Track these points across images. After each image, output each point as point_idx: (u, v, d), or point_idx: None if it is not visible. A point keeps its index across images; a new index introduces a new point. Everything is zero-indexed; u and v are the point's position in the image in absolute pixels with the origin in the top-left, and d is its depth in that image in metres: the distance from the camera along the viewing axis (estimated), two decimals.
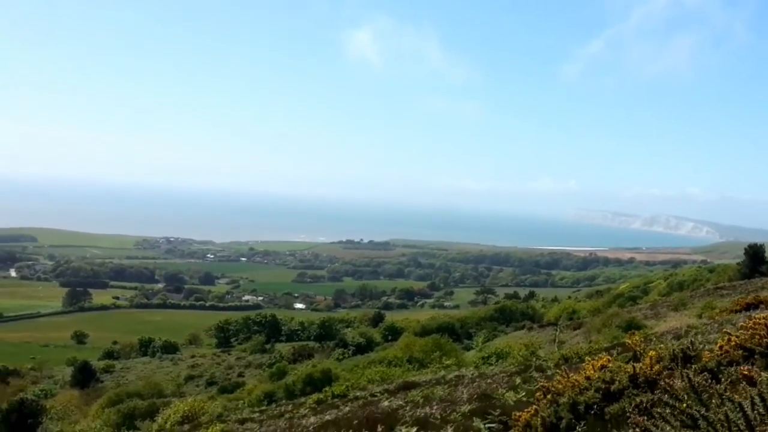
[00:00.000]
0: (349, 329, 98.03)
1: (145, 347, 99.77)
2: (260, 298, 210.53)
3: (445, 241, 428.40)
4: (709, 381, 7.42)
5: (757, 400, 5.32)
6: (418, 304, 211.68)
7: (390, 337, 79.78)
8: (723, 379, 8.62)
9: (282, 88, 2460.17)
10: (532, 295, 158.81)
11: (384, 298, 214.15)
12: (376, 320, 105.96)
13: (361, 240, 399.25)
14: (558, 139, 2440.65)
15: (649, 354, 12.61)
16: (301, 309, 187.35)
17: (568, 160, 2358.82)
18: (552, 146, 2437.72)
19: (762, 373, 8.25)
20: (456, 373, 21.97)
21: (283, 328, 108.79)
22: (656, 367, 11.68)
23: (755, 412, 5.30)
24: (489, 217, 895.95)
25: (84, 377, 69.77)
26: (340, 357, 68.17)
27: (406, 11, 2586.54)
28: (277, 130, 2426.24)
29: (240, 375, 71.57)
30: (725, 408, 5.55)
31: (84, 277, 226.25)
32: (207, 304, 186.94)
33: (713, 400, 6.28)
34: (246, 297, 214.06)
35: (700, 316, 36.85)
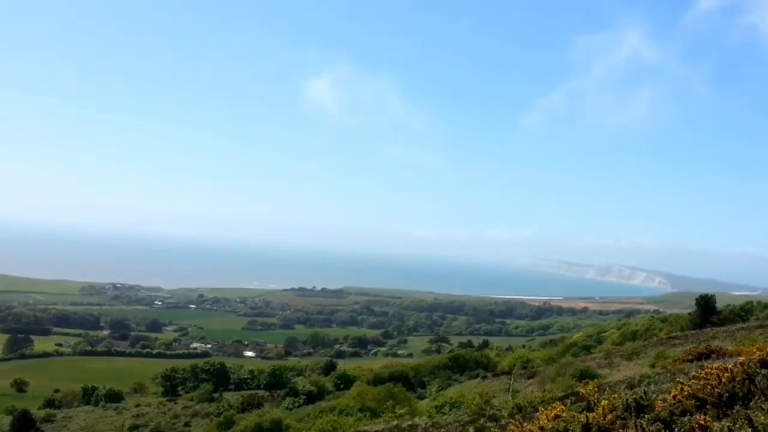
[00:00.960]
0: (301, 378, 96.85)
1: (88, 396, 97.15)
2: (209, 345, 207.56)
3: (399, 289, 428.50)
4: (663, 431, 7.44)
5: None
6: (372, 352, 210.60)
7: (342, 386, 78.94)
8: (676, 429, 8.66)
9: (238, 134, 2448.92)
10: (486, 343, 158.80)
11: (336, 346, 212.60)
12: (328, 368, 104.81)
13: (314, 287, 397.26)
14: (514, 189, 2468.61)
15: (603, 403, 12.65)
16: (251, 357, 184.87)
17: (524, 209, 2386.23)
18: (508, 195, 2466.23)
19: (715, 423, 8.31)
20: (409, 422, 21.77)
21: (232, 376, 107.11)
22: (609, 416, 11.71)
23: None
24: (444, 265, 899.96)
25: (23, 427, 67.48)
26: (291, 406, 67.11)
27: (365, 59, 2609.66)
28: (232, 175, 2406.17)
29: (186, 425, 70.10)
30: None
31: (26, 323, 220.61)
32: (154, 352, 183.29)
33: None
34: (194, 344, 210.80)
35: (653, 366, 37.25)
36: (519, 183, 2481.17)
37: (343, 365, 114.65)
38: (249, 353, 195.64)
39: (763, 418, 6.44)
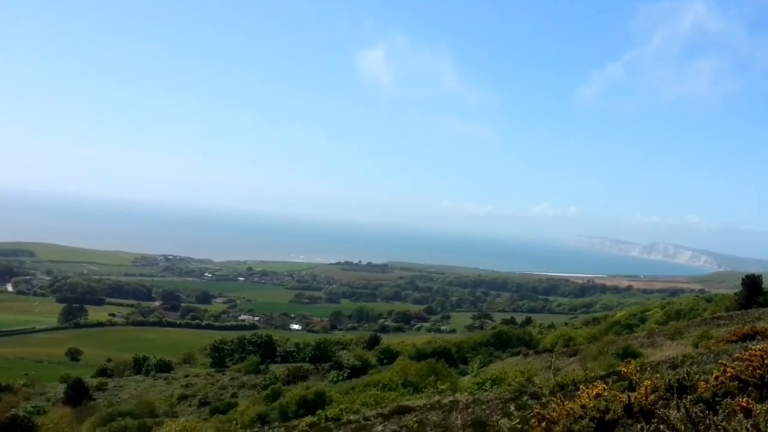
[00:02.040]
0: (345, 351, 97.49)
1: (139, 365, 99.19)
2: (257, 318, 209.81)
3: (444, 264, 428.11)
4: (705, 412, 7.36)
5: (752, 431, 5.26)
6: (415, 327, 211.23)
7: (385, 361, 79.23)
8: (720, 410, 8.55)
9: (290, 109, 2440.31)
10: (528, 321, 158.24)
11: (380, 321, 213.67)
12: (372, 343, 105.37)
13: (360, 262, 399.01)
14: (562, 164, 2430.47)
15: (645, 383, 12.53)
16: (298, 330, 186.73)
17: (570, 186, 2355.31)
18: (555, 171, 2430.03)
19: (758, 405, 8.19)
20: (451, 398, 21.79)
21: (278, 349, 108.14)
22: (651, 396, 11.60)
23: None
24: (488, 241, 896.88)
25: (76, 395, 69.17)
26: (335, 379, 67.65)
27: (421, 31, 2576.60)
28: (283, 150, 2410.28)
29: (233, 396, 71.03)
30: None
31: (81, 293, 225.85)
32: (203, 323, 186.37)
33: (710, 431, 6.23)
34: (242, 317, 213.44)
35: (696, 346, 36.74)
36: (568, 159, 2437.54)
37: (386, 340, 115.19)
38: (295, 326, 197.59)
39: None
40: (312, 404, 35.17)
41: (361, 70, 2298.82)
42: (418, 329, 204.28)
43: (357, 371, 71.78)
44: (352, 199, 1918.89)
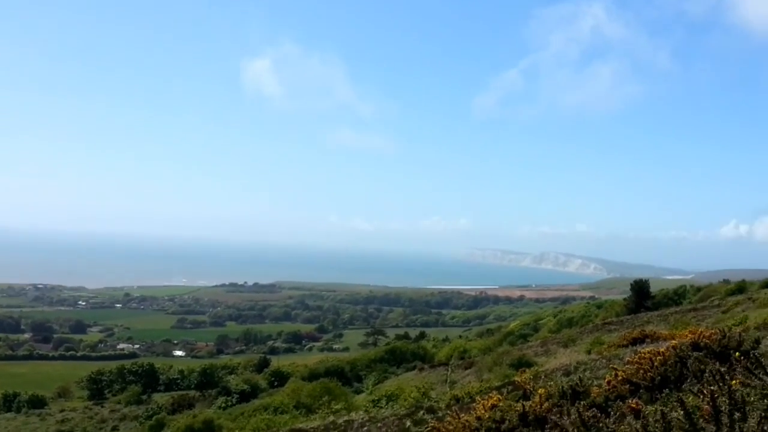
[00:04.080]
0: (233, 376, 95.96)
1: (10, 402, 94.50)
2: (137, 346, 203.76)
3: (334, 282, 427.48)
4: (598, 415, 7.65)
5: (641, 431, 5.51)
6: (306, 347, 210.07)
7: (276, 383, 78.60)
8: (611, 413, 8.91)
9: (171, 124, 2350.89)
10: (423, 335, 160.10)
11: (270, 343, 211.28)
12: (262, 366, 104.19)
13: (245, 283, 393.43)
14: (454, 175, 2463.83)
15: (539, 391, 12.93)
16: (181, 356, 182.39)
17: (461, 198, 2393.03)
18: (446, 182, 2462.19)
19: (647, 407, 8.59)
20: (345, 417, 21.82)
21: (161, 376, 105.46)
22: (546, 404, 11.97)
23: None
24: (379, 256, 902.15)
25: None
26: (224, 405, 66.54)
27: (311, 39, 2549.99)
28: (159, 168, 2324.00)
29: (114, 429, 68.97)
30: None
31: None
32: (78, 354, 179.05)
33: None
34: (121, 345, 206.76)
35: (589, 352, 38.13)
36: (461, 170, 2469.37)
37: (277, 362, 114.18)
38: (179, 352, 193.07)
39: (692, 399, 6.68)
40: None
41: (247, 79, 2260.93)
42: (310, 349, 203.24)
43: (247, 396, 70.88)
44: (235, 217, 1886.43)
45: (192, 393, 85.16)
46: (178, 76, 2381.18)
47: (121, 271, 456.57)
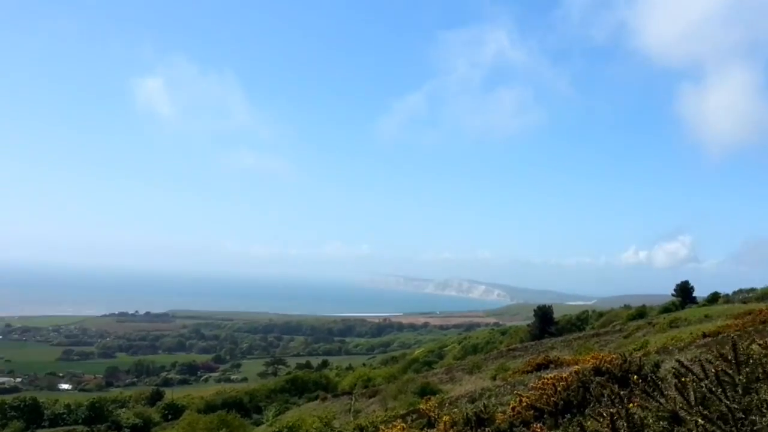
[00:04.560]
0: (124, 410, 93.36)
1: None
2: (18, 379, 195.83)
3: (231, 311, 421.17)
4: None
5: None
6: (202, 378, 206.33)
7: (171, 416, 77.08)
8: None
9: (55, 144, 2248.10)
10: (325, 363, 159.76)
11: (163, 374, 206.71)
12: (155, 398, 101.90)
13: (136, 312, 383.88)
14: (355, 200, 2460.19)
15: (444, 419, 13.19)
16: (68, 390, 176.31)
17: (362, 223, 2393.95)
18: (347, 207, 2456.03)
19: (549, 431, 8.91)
20: None
21: (45, 411, 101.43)
22: (450, 431, 12.23)
23: None
24: (278, 283, 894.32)
25: None
26: None
27: (206, 57, 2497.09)
28: (44, 189, 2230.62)
29: None
30: None
31: None
32: None
33: None
34: (1, 379, 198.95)
35: (494, 378, 38.94)
36: (363, 194, 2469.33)
37: (171, 394, 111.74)
38: (65, 386, 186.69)
39: (593, 423, 7.00)
40: None
41: (139, 99, 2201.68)
42: (206, 380, 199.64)
43: (139, 430, 69.35)
44: (123, 243, 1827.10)
45: (80, 428, 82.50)
46: (60, 91, 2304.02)
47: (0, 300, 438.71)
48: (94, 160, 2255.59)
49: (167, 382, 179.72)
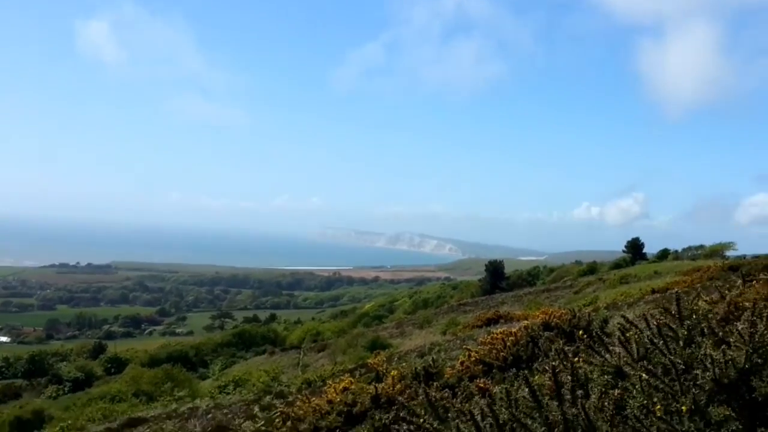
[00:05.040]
0: (65, 363, 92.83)
1: None
2: None
3: (177, 263, 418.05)
4: (447, 396, 8.05)
5: (487, 411, 5.88)
6: (146, 331, 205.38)
7: (114, 370, 76.67)
8: (459, 393, 9.38)
9: None
10: (273, 317, 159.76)
11: (106, 327, 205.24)
12: (97, 352, 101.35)
13: (78, 263, 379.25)
14: (306, 152, 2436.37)
15: (392, 373, 13.35)
16: (6, 342, 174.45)
17: (312, 176, 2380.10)
18: (296, 159, 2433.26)
19: (496, 386, 9.09)
20: (189, 405, 21.69)
21: None
22: (398, 386, 12.39)
23: (485, 422, 5.86)
24: (225, 236, 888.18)
25: None
26: (54, 395, 64.41)
27: (155, 1, 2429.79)
28: None
29: None
30: (458, 420, 6.07)
31: None
32: None
33: (449, 414, 6.86)
34: None
35: (444, 333, 39.42)
36: (315, 146, 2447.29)
37: (114, 347, 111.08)
38: (3, 338, 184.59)
39: (538, 378, 7.15)
40: (29, 424, 33.38)
41: (83, 43, 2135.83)
42: (151, 333, 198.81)
43: (81, 384, 68.90)
44: (63, 193, 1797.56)
45: (19, 382, 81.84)
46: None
47: None
48: (33, 106, 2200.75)
49: (110, 336, 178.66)
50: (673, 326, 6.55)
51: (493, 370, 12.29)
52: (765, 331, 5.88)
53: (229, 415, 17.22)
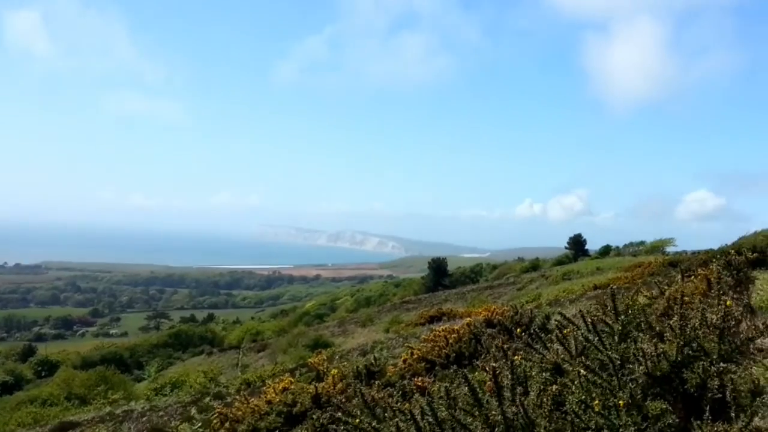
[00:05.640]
0: None
1: None
2: None
3: (110, 262, 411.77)
4: (389, 395, 8.16)
5: (426, 409, 5.99)
6: (79, 333, 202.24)
7: (44, 373, 75.38)
8: (395, 392, 9.51)
9: None
10: (211, 317, 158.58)
11: (36, 329, 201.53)
12: (26, 354, 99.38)
13: (5, 263, 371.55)
14: (246, 148, 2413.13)
15: (333, 372, 13.42)
16: None
17: (252, 173, 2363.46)
18: (234, 156, 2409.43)
19: (436, 384, 9.22)
20: (125, 407, 21.50)
21: None
22: (339, 385, 12.47)
23: (425, 420, 5.97)
24: (162, 235, 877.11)
25: None
26: None
27: None
28: None
29: None
30: (397, 419, 6.17)
31: None
32: None
33: (387, 413, 6.96)
34: None
35: (387, 331, 39.64)
36: (255, 142, 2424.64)
37: (44, 349, 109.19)
38: None
39: (478, 375, 7.30)
40: None
41: (11, 34, 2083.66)
42: (83, 335, 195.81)
43: (9, 388, 67.55)
44: None
45: None
46: None
47: None
48: None
49: (40, 337, 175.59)
50: (609, 322, 6.75)
51: (436, 368, 12.45)
52: (696, 325, 6.10)
53: (165, 418, 17.12)
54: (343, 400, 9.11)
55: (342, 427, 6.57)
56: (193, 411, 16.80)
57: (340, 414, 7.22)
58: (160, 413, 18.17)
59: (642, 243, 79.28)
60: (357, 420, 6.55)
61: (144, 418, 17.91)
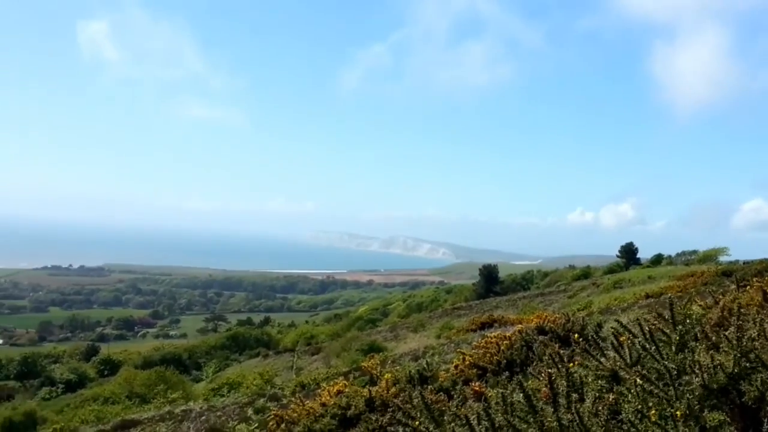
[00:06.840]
0: (58, 365, 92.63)
1: None
2: None
3: (170, 265, 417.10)
4: (443, 399, 8.11)
5: (482, 414, 5.94)
6: (139, 334, 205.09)
7: (107, 372, 76.51)
8: (456, 396, 9.44)
9: None
10: (267, 320, 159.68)
11: (99, 329, 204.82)
12: (90, 353, 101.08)
13: (71, 266, 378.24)
14: (303, 156, 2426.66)
15: (386, 376, 13.39)
16: None
17: (306, 179, 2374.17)
18: (291, 162, 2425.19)
19: (491, 390, 9.15)
20: (183, 407, 21.70)
21: None
22: (392, 389, 12.44)
23: (481, 426, 5.92)
24: (219, 239, 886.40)
25: None
26: (47, 396, 64.27)
27: (157, 3, 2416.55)
28: None
29: None
30: (454, 424, 6.12)
31: None
32: None
33: (445, 417, 6.91)
34: None
35: (438, 337, 39.47)
36: (313, 150, 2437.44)
37: (107, 349, 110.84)
38: None
39: (532, 383, 7.21)
40: (21, 426, 33.26)
41: (83, 43, 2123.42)
42: (144, 336, 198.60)
43: (73, 386, 68.78)
44: (58, 194, 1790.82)
45: (11, 384, 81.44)
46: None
47: None
48: (31, 106, 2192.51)
49: (103, 338, 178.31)
50: (666, 331, 6.62)
51: (487, 374, 12.35)
52: (754, 336, 5.96)
53: (223, 418, 17.24)
54: (401, 403, 9.08)
55: (401, 429, 6.54)
56: (250, 412, 16.90)
57: (400, 415, 7.19)
58: (218, 413, 18.31)
59: (695, 252, 77.85)
60: (417, 422, 6.52)
61: (202, 418, 18.05)
